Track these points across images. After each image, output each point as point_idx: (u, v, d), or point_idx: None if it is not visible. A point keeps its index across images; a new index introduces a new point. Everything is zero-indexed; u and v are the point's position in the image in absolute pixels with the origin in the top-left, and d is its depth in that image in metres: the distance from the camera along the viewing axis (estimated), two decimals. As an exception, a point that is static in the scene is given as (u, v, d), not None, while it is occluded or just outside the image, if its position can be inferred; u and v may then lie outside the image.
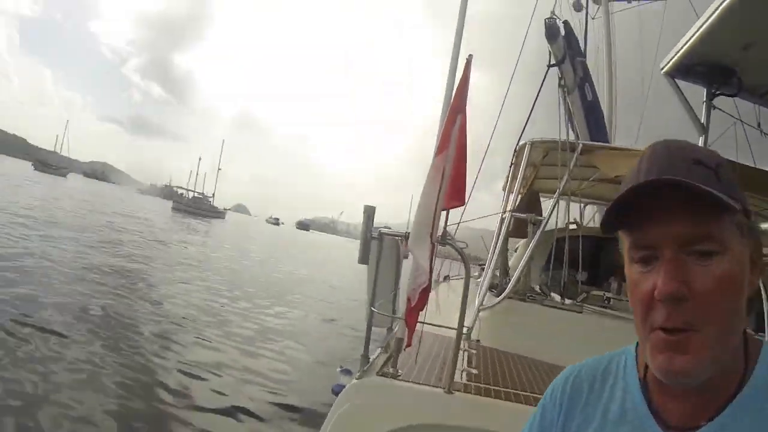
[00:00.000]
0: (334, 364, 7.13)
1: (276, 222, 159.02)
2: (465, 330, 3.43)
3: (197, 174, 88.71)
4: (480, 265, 6.46)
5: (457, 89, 2.87)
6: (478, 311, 4.31)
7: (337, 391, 3.21)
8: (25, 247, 13.00)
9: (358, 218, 3.42)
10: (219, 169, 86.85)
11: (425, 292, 2.75)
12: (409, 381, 2.79)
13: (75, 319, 7.77)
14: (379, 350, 3.31)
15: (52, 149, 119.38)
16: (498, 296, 4.56)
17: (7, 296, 8.11)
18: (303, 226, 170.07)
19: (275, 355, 8.59)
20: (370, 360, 3.11)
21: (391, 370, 2.82)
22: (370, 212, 3.34)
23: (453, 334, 2.88)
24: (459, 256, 3.23)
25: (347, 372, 4.35)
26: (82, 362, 6.26)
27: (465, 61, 2.94)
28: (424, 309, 2.78)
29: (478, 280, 5.57)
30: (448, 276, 9.55)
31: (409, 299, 2.77)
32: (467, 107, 2.76)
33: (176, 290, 12.22)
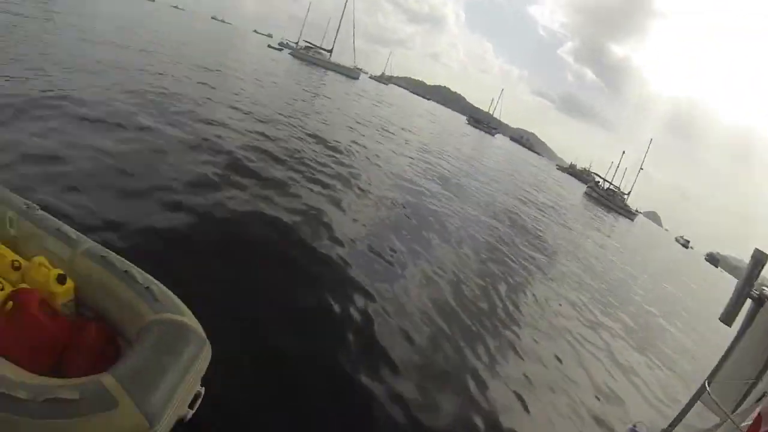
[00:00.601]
0: (643, 414, 6.13)
1: (685, 244, 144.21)
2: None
3: (617, 167, 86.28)
4: None
5: None
6: None
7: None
8: (446, 179, 15.06)
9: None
10: (641, 168, 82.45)
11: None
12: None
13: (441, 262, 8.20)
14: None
15: (486, 110, 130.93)
16: None
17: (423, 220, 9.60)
18: (712, 259, 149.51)
19: (607, 361, 7.66)
20: (671, 440, 2.40)
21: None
22: (759, 259, 2.43)
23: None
24: None
25: (636, 435, 3.43)
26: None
27: None
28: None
29: None
30: None
31: (759, 417, 1.85)
32: None
33: (555, 275, 11.95)
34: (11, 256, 3.11)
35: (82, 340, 2.73)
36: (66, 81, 9.79)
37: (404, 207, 9.89)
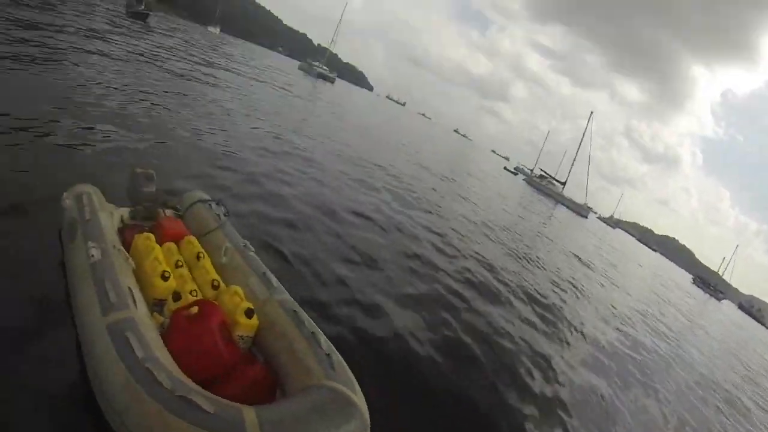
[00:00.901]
0: None
1: None
2: None
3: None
4: None
5: None
6: None
7: None
8: (667, 342, 13.64)
9: None
10: None
11: None
12: None
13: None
14: None
15: (716, 270, 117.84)
16: None
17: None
18: None
19: None
20: None
21: None
22: None
23: None
24: None
25: None
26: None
27: None
28: None
29: None
30: None
31: None
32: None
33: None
34: (214, 276, 3.44)
35: (245, 374, 2.74)
36: (315, 157, 12.47)
37: (619, 363, 9.37)
